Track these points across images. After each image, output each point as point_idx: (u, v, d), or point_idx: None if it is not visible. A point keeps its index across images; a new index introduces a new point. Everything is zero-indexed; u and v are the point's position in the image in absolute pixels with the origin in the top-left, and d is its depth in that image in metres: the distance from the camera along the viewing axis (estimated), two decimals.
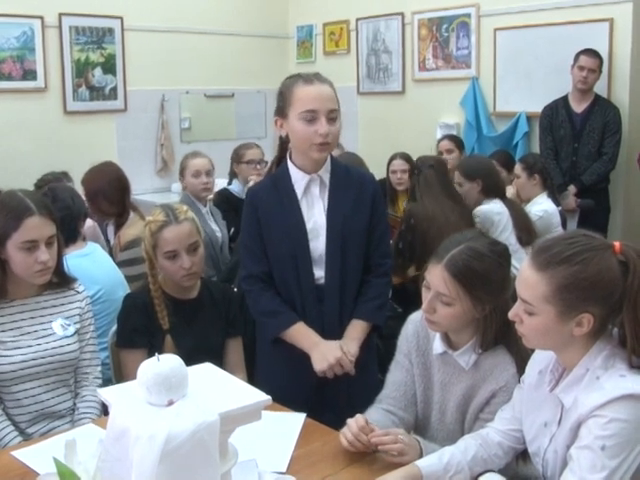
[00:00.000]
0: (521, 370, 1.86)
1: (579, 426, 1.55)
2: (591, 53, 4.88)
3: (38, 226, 2.17)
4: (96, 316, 2.72)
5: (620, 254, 1.54)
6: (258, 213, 2.34)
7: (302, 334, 2.29)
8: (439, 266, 1.90)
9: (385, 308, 2.45)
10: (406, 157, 4.85)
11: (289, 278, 2.32)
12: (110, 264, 3.09)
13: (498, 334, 1.94)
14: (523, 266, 1.62)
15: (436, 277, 1.91)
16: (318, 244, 2.32)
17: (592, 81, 4.91)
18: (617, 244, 1.56)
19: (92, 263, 2.92)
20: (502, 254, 1.96)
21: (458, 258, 1.89)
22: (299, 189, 2.33)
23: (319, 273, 2.33)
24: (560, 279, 1.53)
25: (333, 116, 2.25)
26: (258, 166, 4.54)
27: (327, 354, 2.23)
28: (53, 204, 2.86)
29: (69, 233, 2.94)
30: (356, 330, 2.34)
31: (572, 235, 1.62)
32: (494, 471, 1.76)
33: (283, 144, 2.46)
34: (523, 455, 1.83)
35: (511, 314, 1.65)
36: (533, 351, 1.80)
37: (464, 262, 1.88)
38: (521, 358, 1.89)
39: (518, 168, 4.40)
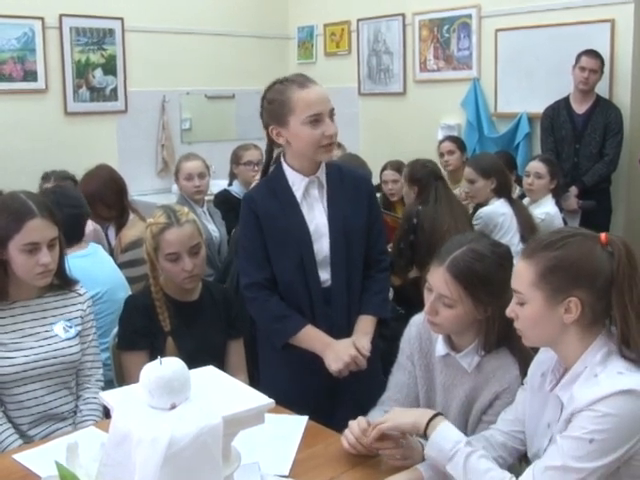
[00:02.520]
0: (524, 372, 1.86)
1: (571, 419, 1.55)
2: (592, 54, 4.87)
3: (40, 228, 2.17)
4: (96, 316, 2.72)
5: (607, 245, 1.58)
6: (258, 219, 2.31)
7: (313, 337, 2.28)
8: (441, 268, 1.90)
9: (388, 301, 2.47)
10: (397, 166, 4.76)
11: (295, 282, 2.31)
12: (111, 265, 3.08)
13: (500, 336, 1.93)
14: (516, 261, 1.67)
15: (438, 279, 1.91)
16: (322, 246, 2.31)
17: (593, 82, 4.91)
18: (603, 235, 1.60)
19: (93, 264, 2.92)
20: (504, 255, 1.96)
21: (460, 260, 1.89)
22: (298, 192, 2.32)
23: (324, 275, 2.32)
24: (544, 262, 1.58)
25: (333, 114, 2.26)
26: (256, 167, 4.53)
27: (341, 353, 2.23)
28: (63, 201, 2.90)
29: (77, 233, 2.96)
30: (366, 325, 2.34)
31: (560, 228, 1.74)
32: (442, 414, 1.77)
33: (269, 152, 2.45)
34: (526, 457, 1.83)
35: (508, 310, 1.68)
36: (536, 353, 1.80)
37: (465, 264, 1.88)
38: (524, 360, 1.89)
39: (543, 168, 4.30)
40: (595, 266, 1.56)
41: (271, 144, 2.40)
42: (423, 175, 3.83)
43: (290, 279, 2.31)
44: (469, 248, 1.91)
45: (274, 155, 2.46)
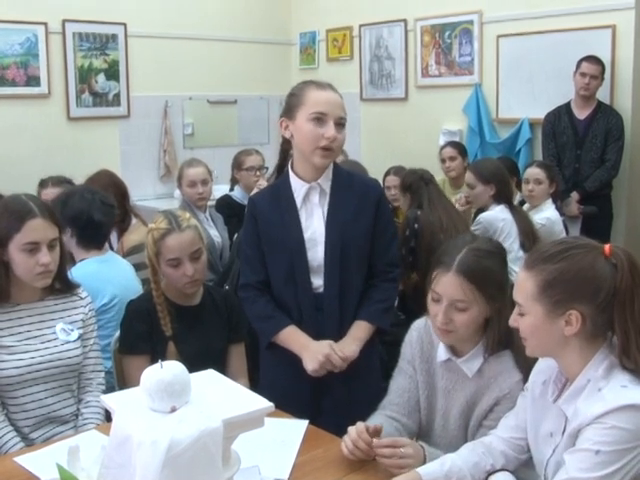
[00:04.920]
0: (527, 375, 1.86)
1: (578, 434, 1.55)
2: (593, 60, 4.89)
3: (40, 228, 2.18)
4: (110, 323, 2.74)
5: (610, 256, 1.57)
6: (257, 224, 2.35)
7: (292, 337, 2.29)
8: (449, 274, 1.90)
9: (391, 312, 2.45)
10: (399, 172, 4.70)
11: (287, 288, 2.32)
12: (129, 272, 3.08)
13: (502, 338, 1.94)
14: (518, 271, 1.67)
15: (449, 285, 1.90)
16: (316, 253, 2.31)
17: (594, 88, 4.92)
18: (607, 246, 1.59)
19: (111, 269, 2.94)
20: (501, 249, 2.03)
21: (467, 261, 1.90)
22: (298, 198, 2.33)
23: (318, 282, 2.31)
24: (545, 275, 1.57)
25: (341, 123, 2.27)
26: (258, 172, 4.55)
27: (316, 353, 2.23)
28: (106, 201, 2.98)
29: (106, 236, 3.01)
30: (358, 330, 2.32)
31: (563, 238, 1.71)
32: (508, 470, 1.75)
33: (284, 152, 2.47)
34: (526, 460, 1.83)
35: (510, 320, 1.68)
36: (537, 358, 1.80)
37: (474, 263, 1.90)
38: (527, 365, 1.89)
39: (541, 173, 4.30)
40: (597, 279, 1.54)
41: (282, 147, 2.44)
42: (413, 180, 3.86)
43: (281, 284, 2.34)
44: (471, 248, 1.93)
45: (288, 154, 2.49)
